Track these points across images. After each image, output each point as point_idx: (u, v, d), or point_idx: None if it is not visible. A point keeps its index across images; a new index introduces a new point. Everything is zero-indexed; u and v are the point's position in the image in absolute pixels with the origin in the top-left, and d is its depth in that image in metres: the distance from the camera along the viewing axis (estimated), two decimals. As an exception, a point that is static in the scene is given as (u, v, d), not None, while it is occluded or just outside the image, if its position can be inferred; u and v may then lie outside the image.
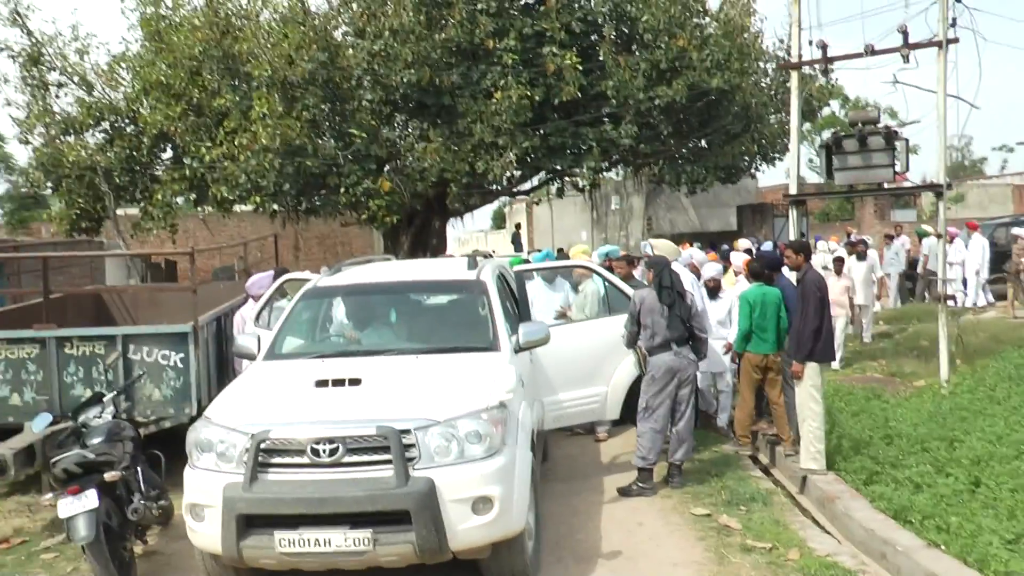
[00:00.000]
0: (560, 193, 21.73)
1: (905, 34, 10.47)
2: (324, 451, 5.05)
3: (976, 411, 8.92)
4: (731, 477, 7.79)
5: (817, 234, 16.38)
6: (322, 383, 5.67)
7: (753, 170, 21.01)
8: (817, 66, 11.64)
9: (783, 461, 8.27)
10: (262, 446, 5.10)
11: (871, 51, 10.71)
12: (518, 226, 31.58)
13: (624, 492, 7.58)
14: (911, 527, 6.17)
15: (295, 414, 5.34)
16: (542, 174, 20.47)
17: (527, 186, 21.84)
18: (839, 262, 12.98)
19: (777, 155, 19.68)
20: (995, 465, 7.04)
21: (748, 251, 13.21)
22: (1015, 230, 18.01)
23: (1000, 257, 18.25)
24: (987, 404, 9.22)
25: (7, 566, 6.54)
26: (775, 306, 8.31)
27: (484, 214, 49.99)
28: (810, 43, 11.28)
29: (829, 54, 11.14)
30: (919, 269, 18.45)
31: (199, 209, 20.29)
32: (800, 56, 11.30)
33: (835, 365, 12.59)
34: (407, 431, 5.08)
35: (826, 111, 26.44)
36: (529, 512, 5.71)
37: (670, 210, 27.61)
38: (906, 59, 10.60)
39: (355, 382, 5.64)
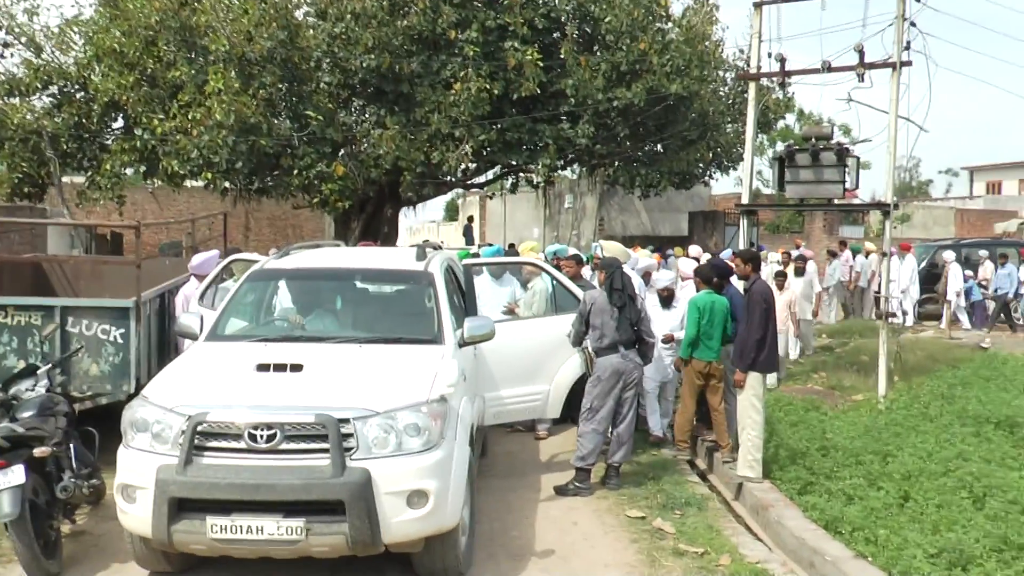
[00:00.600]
0: (514, 188, 21.75)
1: (861, 53, 10.63)
2: (261, 436, 4.99)
3: (910, 427, 9.14)
4: (668, 481, 7.85)
5: (762, 244, 16.59)
6: (263, 367, 5.60)
7: (707, 177, 21.24)
8: (775, 79, 11.79)
9: (720, 467, 8.37)
10: (199, 428, 5.02)
11: (828, 68, 10.87)
12: (470, 219, 31.52)
13: (561, 491, 7.61)
14: (841, 538, 6.27)
15: (234, 397, 5.26)
16: (497, 168, 20.47)
17: (481, 179, 21.85)
18: (781, 277, 13.18)
19: (731, 164, 19.91)
20: (924, 481, 7.22)
21: (696, 258, 13.35)
22: (944, 254, 18.65)
23: (934, 278, 18.95)
24: (920, 421, 9.45)
25: (-76, 540, 6.35)
26: (723, 314, 8.38)
27: (437, 205, 49.92)
28: (769, 55, 11.41)
29: (787, 68, 11.28)
30: (849, 285, 18.95)
31: (148, 182, 19.94)
32: (759, 67, 11.42)
33: (771, 381, 12.79)
34: (346, 420, 5.04)
35: (781, 124, 26.86)
36: (464, 507, 5.70)
37: (623, 212, 27.78)
38: (861, 78, 10.76)
39: (296, 368, 5.58)
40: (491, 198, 29.35)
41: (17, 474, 5.44)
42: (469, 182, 21.30)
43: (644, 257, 10.05)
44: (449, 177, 18.57)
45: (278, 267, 7.23)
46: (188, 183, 19.65)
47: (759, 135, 22.79)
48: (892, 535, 6.12)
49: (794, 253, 16.10)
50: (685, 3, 18.54)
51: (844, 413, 10.33)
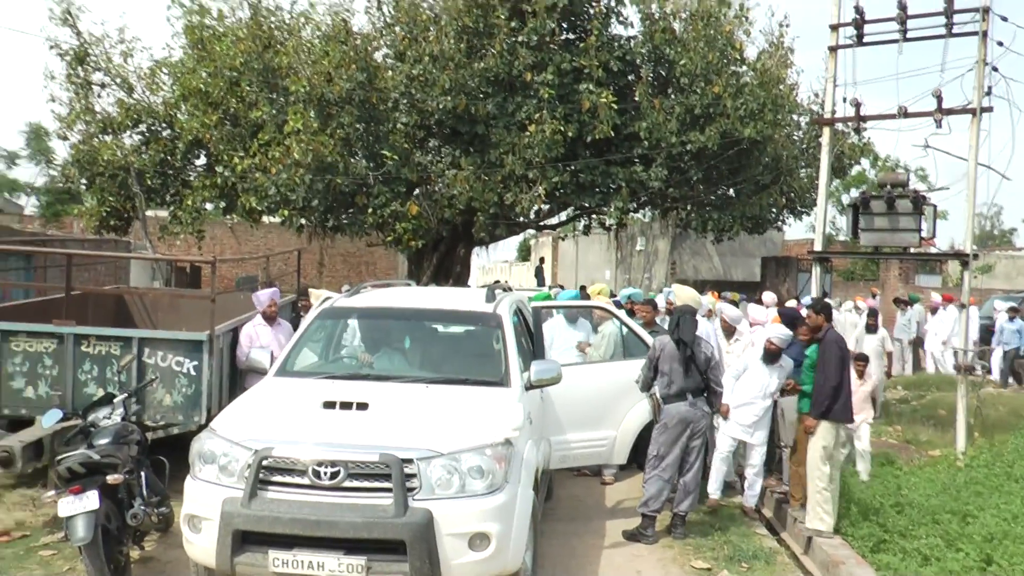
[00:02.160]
0: (586, 230, 21.74)
1: (939, 99, 10.42)
2: (325, 473, 5.02)
3: (992, 487, 8.73)
4: (735, 533, 7.67)
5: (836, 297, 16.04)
6: (330, 404, 5.64)
7: (780, 223, 20.93)
8: (850, 123, 11.62)
9: (790, 522, 8.13)
10: (264, 463, 5.08)
11: (904, 113, 10.67)
12: (542, 260, 31.58)
13: (629, 536, 7.51)
14: (915, 600, 6.05)
15: (300, 434, 5.30)
16: (570, 210, 20.50)
17: (554, 221, 21.89)
18: (861, 362, 12.77)
19: (804, 209, 19.59)
20: (1008, 544, 6.88)
21: (768, 305, 13.05)
22: (996, 303, 17.95)
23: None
24: (1004, 480, 9.01)
25: (5, 559, 6.54)
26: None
27: (510, 245, 50.09)
28: (844, 100, 11.26)
29: (862, 112, 11.11)
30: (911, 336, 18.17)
31: (228, 217, 20.48)
32: (833, 112, 11.27)
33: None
34: (410, 460, 5.04)
35: (856, 169, 26.37)
36: (527, 552, 5.63)
37: (695, 256, 27.53)
38: (939, 124, 10.54)
39: (363, 406, 5.61)
40: (563, 239, 29.36)
41: (91, 500, 5.57)
42: (542, 223, 21.33)
43: (735, 316, 9.61)
44: (522, 218, 18.64)
45: (348, 305, 7.30)
46: (265, 219, 20.14)
47: (833, 180, 22.47)
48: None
49: (862, 305, 15.65)
50: (760, 47, 18.43)
51: (920, 469, 9.96)
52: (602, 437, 7.97)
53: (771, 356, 8.21)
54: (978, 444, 10.96)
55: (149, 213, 19.75)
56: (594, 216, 20.43)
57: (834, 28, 11.27)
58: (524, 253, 47.19)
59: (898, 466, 10.05)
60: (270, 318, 8.77)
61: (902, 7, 10.68)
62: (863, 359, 9.40)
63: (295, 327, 8.56)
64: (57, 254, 12.25)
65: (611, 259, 29.42)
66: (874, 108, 11.30)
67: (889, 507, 8.10)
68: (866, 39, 11.10)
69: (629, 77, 17.37)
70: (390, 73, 16.94)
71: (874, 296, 18.95)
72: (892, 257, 15.72)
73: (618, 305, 10.12)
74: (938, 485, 8.98)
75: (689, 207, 18.95)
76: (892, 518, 7.77)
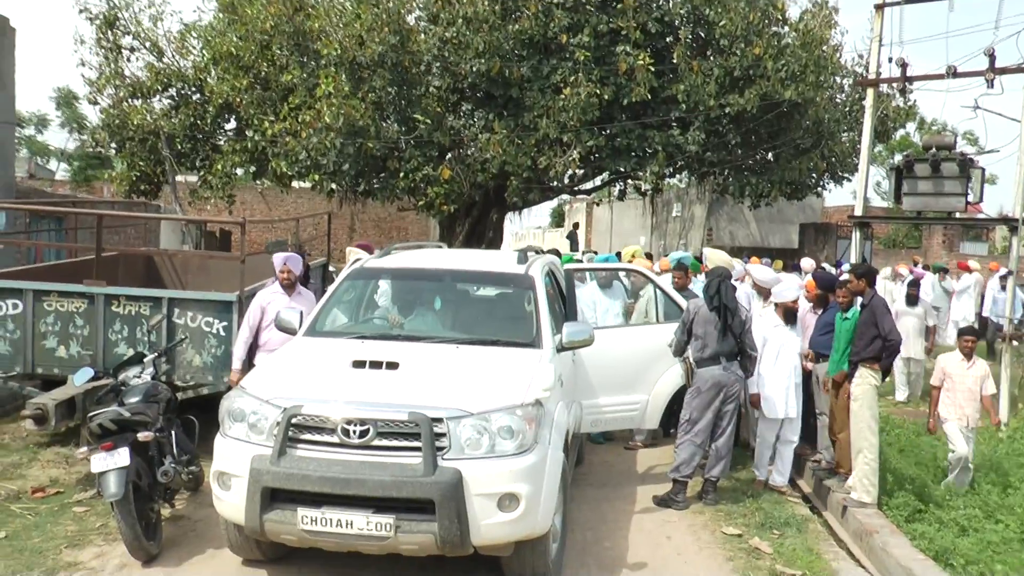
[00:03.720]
0: (622, 195, 21.61)
1: (992, 57, 10.22)
2: (354, 432, 5.06)
3: (1035, 458, 8.66)
4: (767, 499, 7.67)
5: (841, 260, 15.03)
6: (359, 364, 5.69)
7: (820, 188, 20.63)
8: (895, 85, 11.43)
9: (821, 488, 8.09)
10: (293, 421, 5.13)
11: (953, 73, 10.48)
12: (576, 225, 31.53)
13: (660, 502, 7.54)
14: (952, 571, 6.00)
15: (329, 392, 5.35)
16: (605, 175, 20.38)
17: (588, 186, 21.78)
18: (915, 287, 12.47)
19: (846, 175, 19.24)
20: (1051, 515, 6.82)
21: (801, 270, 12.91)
22: None
23: None
24: (1048, 452, 8.94)
25: (40, 515, 6.71)
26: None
27: (543, 211, 49.97)
28: (890, 60, 11.08)
29: (909, 73, 10.92)
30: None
31: (258, 182, 20.60)
32: (878, 72, 11.09)
33: (900, 396, 12.33)
34: (439, 420, 5.07)
35: (900, 133, 25.84)
36: (556, 514, 5.67)
37: (732, 222, 27.30)
38: (990, 84, 10.34)
39: (392, 366, 5.65)
40: (597, 204, 29.22)
41: (122, 456, 5.69)
42: (576, 188, 21.24)
43: (769, 279, 9.40)
44: (556, 183, 18.57)
45: (379, 266, 7.33)
46: (296, 184, 20.23)
47: (876, 144, 22.11)
48: (1012, 572, 5.81)
49: (904, 272, 15.34)
50: (802, 6, 18.12)
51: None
52: (634, 401, 7.92)
53: (789, 316, 8.17)
54: (1022, 416, 10.83)
55: (179, 178, 19.91)
56: (629, 181, 20.29)
57: (880, -16, 11.07)
58: (558, 219, 47.08)
59: (936, 436, 9.94)
60: (288, 286, 7.95)
61: (954, -39, 10.48)
62: (971, 333, 8.81)
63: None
64: (87, 214, 12.41)
65: (646, 225, 29.28)
66: (921, 69, 11.12)
67: (926, 477, 8.05)
68: (914, -6, 10.91)
69: (667, 39, 17.14)
70: (423, 36, 16.86)
71: (916, 264, 18.68)
72: (936, 223, 15.48)
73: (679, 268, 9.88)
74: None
75: (726, 172, 18.73)
76: (929, 488, 7.72)
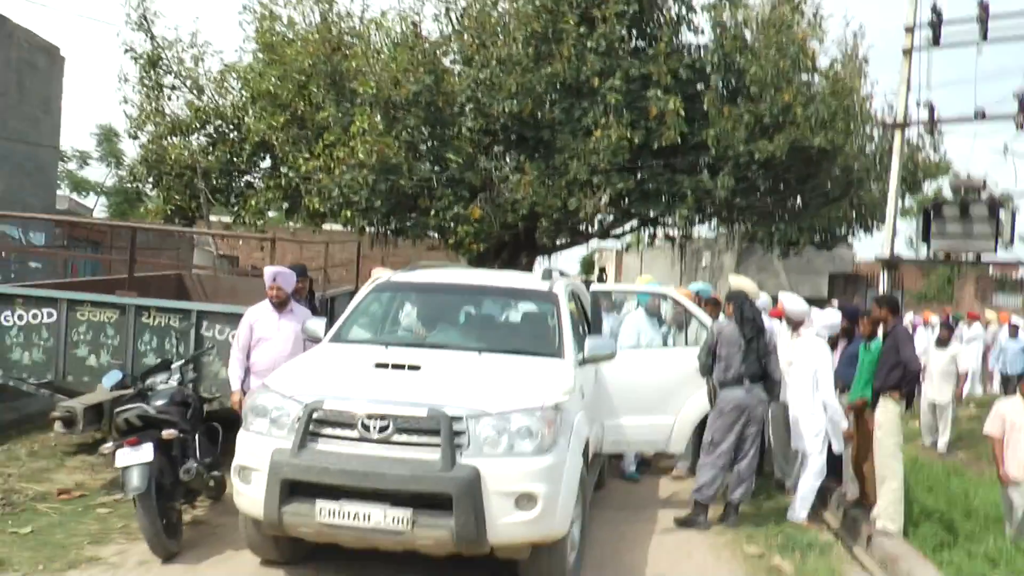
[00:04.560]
0: (652, 240, 21.67)
1: (1022, 101, 10.28)
2: (374, 427, 5.13)
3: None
4: (790, 525, 7.60)
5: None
6: (382, 365, 5.78)
7: (849, 235, 20.59)
8: (924, 132, 11.51)
9: (848, 520, 8.00)
10: (314, 415, 5.21)
11: (982, 115, 10.57)
12: (603, 270, 31.59)
13: (682, 523, 7.50)
14: (980, 598, 5.92)
15: (351, 389, 5.44)
16: (634, 222, 20.49)
17: (618, 232, 21.87)
18: (947, 330, 12.28)
19: (876, 223, 19.21)
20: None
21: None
22: None
23: None
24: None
25: (65, 514, 6.81)
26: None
27: (572, 257, 49.96)
28: (917, 104, 11.18)
29: (936, 116, 11.00)
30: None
31: (289, 224, 20.91)
32: (907, 116, 11.18)
33: (926, 442, 12.15)
34: (459, 418, 5.13)
35: (932, 187, 25.78)
36: (575, 524, 5.69)
37: (761, 271, 27.17)
38: (1020, 127, 10.41)
39: (414, 368, 5.74)
40: (627, 250, 29.29)
41: (146, 451, 5.79)
42: (606, 232, 21.34)
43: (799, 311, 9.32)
44: (586, 226, 18.69)
45: (405, 280, 7.45)
46: (328, 227, 20.51)
47: (906, 196, 22.06)
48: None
49: (934, 320, 15.27)
50: (833, 56, 18.20)
51: (993, 483, 9.69)
52: (659, 424, 7.91)
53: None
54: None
55: (212, 218, 20.24)
56: (659, 228, 20.37)
57: (909, 30, 11.25)
58: (587, 266, 47.16)
59: (967, 477, 9.83)
60: (279, 303, 7.41)
61: (983, 6, 10.58)
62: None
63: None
64: (122, 227, 12.65)
65: (675, 274, 29.26)
66: (949, 115, 11.18)
67: (955, 513, 7.95)
68: (943, 41, 11.01)
69: (698, 86, 17.33)
70: (457, 77, 17.18)
71: (948, 318, 18.56)
72: (965, 264, 15.31)
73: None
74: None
75: (756, 218, 18.75)
76: (958, 521, 7.63)
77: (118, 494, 7.25)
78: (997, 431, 7.89)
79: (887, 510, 7.31)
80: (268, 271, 7.61)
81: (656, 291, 9.36)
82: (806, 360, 7.93)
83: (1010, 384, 15.24)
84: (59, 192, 31.10)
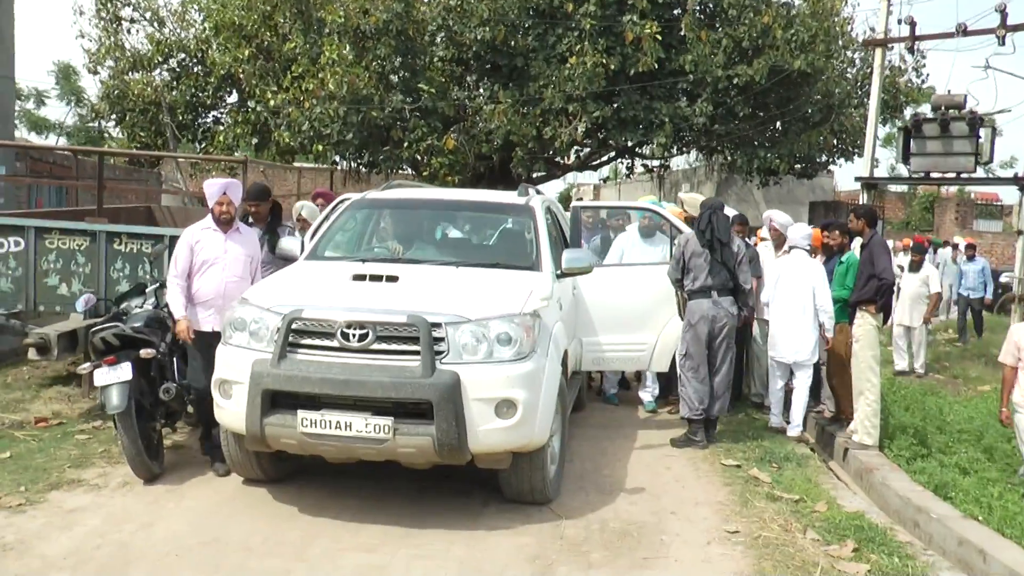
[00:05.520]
0: (630, 172, 21.79)
1: (1004, 14, 10.34)
2: (354, 335, 5.24)
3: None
4: (768, 439, 7.83)
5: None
6: (360, 277, 5.89)
7: (830, 163, 20.76)
8: (905, 51, 11.58)
9: (825, 435, 8.25)
10: (293, 326, 5.32)
11: (964, 30, 10.62)
12: (580, 200, 31.63)
13: (679, 443, 7.59)
14: (950, 501, 6.15)
15: (329, 300, 5.56)
16: (611, 152, 20.56)
17: (595, 163, 21.95)
18: (919, 253, 12.44)
19: (857, 151, 19.36)
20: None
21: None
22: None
23: None
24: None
25: (44, 441, 6.93)
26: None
27: (550, 192, 49.81)
28: (899, 22, 11.23)
29: (917, 33, 11.08)
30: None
31: (258, 156, 20.84)
32: (887, 32, 11.25)
33: (898, 366, 12.34)
34: (438, 325, 5.25)
35: (911, 114, 25.75)
36: (554, 436, 5.86)
37: (740, 202, 27.26)
38: (1002, 41, 10.46)
39: (392, 279, 5.85)
40: (604, 183, 29.39)
41: (125, 370, 5.89)
42: (583, 164, 21.41)
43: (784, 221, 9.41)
44: (562, 156, 18.75)
45: (380, 197, 7.53)
46: (297, 164, 20.44)
47: (887, 122, 22.18)
48: (1010, 504, 5.94)
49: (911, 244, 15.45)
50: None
51: (968, 401, 9.98)
52: (640, 342, 7.95)
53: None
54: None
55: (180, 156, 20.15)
56: (636, 157, 20.47)
57: (889, -56, 11.24)
58: (564, 202, 47.22)
59: (943, 396, 10.07)
60: (226, 221, 6.50)
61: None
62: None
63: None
64: (89, 152, 12.61)
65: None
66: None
67: (930, 428, 8.19)
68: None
69: (675, 10, 17.34)
70: (427, 4, 17.08)
71: (927, 243, 18.81)
72: (945, 183, 15.46)
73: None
74: (984, 411, 9.03)
75: (735, 146, 18.89)
76: (932, 435, 7.86)
77: (97, 421, 7.41)
78: (1011, 359, 7.12)
79: (863, 424, 7.53)
80: (214, 183, 6.61)
81: (642, 207, 9.30)
82: (798, 274, 8.11)
83: (972, 308, 15.66)
84: (16, 134, 30.68)
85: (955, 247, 17.26)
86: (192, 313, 6.38)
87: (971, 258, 15.99)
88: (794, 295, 8.12)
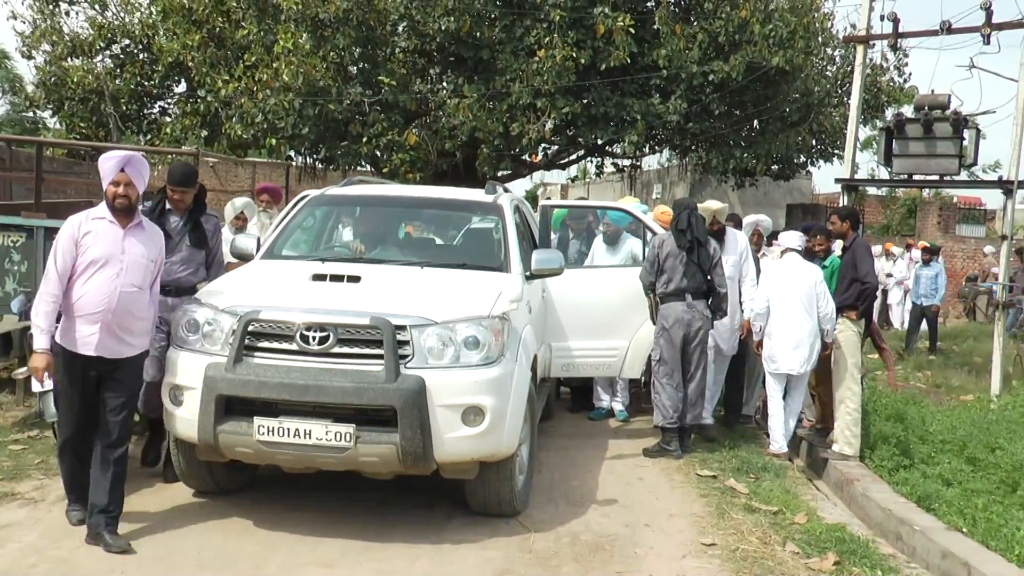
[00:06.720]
0: (600, 171, 21.83)
1: (989, 12, 10.47)
2: (314, 338, 5.21)
3: (1026, 424, 8.86)
4: (745, 449, 7.91)
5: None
6: (319, 277, 5.87)
7: (809, 164, 20.95)
8: (887, 48, 11.69)
9: (804, 445, 8.34)
10: (250, 328, 5.27)
11: (948, 28, 10.73)
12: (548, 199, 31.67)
13: (652, 453, 7.64)
14: (933, 513, 6.24)
15: (288, 300, 5.53)
16: (581, 151, 20.60)
17: (564, 161, 21.99)
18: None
19: (837, 152, 19.55)
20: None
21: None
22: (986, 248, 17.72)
23: None
24: (1040, 419, 9.16)
25: (-26, 452, 6.79)
26: None
27: (516, 191, 49.92)
28: (881, 19, 11.34)
29: (901, 30, 11.19)
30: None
31: (209, 158, 20.64)
32: (868, 28, 11.37)
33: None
34: (402, 327, 5.23)
35: (893, 115, 26.06)
36: (522, 445, 5.87)
37: (715, 205, 27.56)
38: (987, 40, 10.58)
39: (354, 279, 5.84)
40: (572, 182, 29.43)
41: None
42: (551, 163, 21.44)
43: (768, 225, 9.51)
44: (529, 154, 18.76)
45: (341, 194, 7.50)
46: (251, 158, 20.25)
47: (867, 123, 22.43)
48: (994, 516, 6.03)
49: (896, 251, 15.72)
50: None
51: (950, 411, 10.11)
52: (612, 348, 8.03)
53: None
54: (1015, 390, 11.10)
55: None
56: (607, 158, 20.53)
57: (871, -63, 11.36)
58: (532, 201, 47.31)
59: (925, 405, 10.20)
60: (124, 209, 5.19)
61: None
62: None
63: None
64: (25, 141, 12.44)
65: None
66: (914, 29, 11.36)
67: (912, 438, 8.29)
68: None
69: (649, 3, 17.44)
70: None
71: (908, 248, 19.10)
72: (927, 185, 15.61)
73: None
74: (967, 421, 9.15)
75: (710, 145, 18.99)
76: (915, 445, 7.96)
77: (34, 430, 7.29)
78: None
79: (843, 433, 7.62)
80: (110, 156, 5.30)
81: (614, 207, 9.32)
82: (795, 279, 7.95)
83: (926, 317, 15.66)
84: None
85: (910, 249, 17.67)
86: (67, 330, 5.13)
87: (927, 263, 15.94)
88: (793, 302, 7.89)
